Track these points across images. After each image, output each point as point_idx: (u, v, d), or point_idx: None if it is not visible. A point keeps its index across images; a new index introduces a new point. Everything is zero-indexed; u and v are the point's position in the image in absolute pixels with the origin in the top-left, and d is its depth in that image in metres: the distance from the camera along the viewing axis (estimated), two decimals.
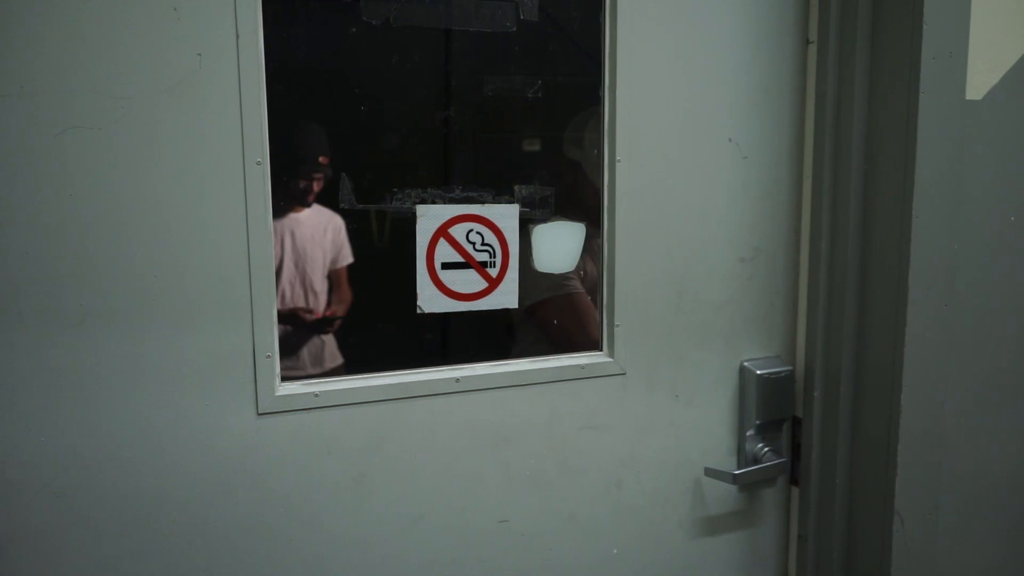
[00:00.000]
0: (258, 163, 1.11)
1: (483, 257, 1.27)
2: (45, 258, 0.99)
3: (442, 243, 1.25)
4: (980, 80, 1.06)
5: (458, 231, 1.25)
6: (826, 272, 1.18)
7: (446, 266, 1.25)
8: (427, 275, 1.25)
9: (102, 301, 1.03)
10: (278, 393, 1.13)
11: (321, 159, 2.49)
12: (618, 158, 1.26)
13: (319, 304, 2.70)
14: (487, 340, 1.31)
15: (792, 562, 1.29)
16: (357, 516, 1.17)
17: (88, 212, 1.02)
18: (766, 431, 1.33)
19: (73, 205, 1.01)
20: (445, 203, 1.25)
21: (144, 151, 1.04)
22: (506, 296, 1.27)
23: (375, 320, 1.32)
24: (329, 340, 2.86)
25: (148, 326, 1.05)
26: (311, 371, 1.25)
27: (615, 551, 1.31)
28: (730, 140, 1.30)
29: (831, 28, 1.11)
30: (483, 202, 1.27)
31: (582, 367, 1.27)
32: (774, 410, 1.32)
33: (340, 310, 3.21)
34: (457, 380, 1.22)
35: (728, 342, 1.33)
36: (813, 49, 1.15)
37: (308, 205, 2.60)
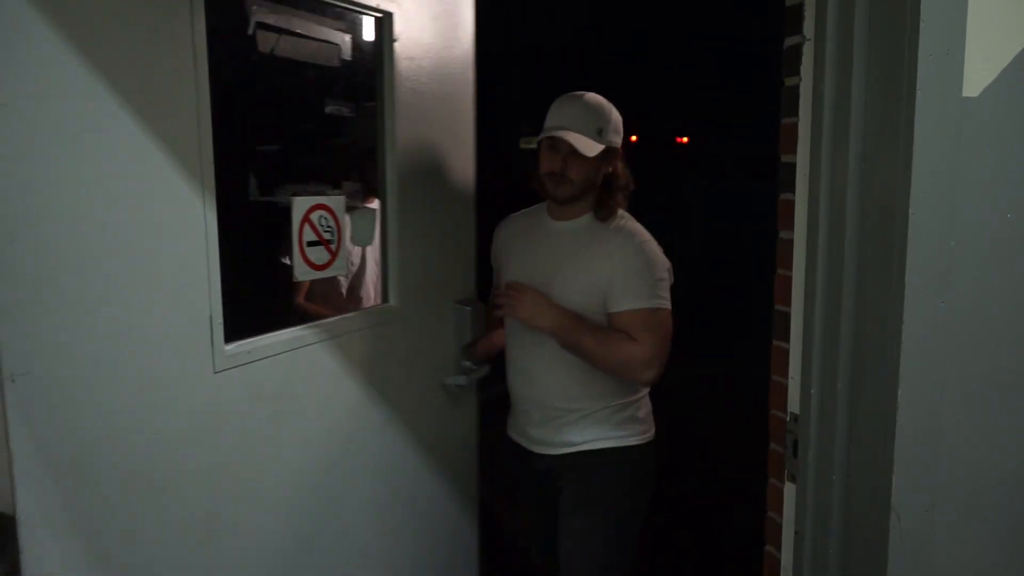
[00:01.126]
0: (209, 164, 1.29)
1: (328, 236, 1.64)
2: (66, 251, 1.10)
3: (307, 227, 1.58)
4: (977, 77, 1.05)
5: (315, 217, 1.60)
6: (824, 270, 1.18)
7: (309, 244, 1.59)
8: (299, 252, 1.58)
9: (110, 290, 1.16)
10: (227, 353, 1.36)
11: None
12: (399, 162, 1.77)
13: None
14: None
15: (788, 559, 1.29)
16: (276, 445, 1.50)
17: (97, 210, 1.15)
18: (470, 347, 2.04)
19: (86, 203, 1.12)
20: (307, 195, 1.59)
21: (141, 154, 1.17)
22: (340, 266, 1.68)
23: (279, 287, 1.68)
24: None
25: (143, 310, 1.21)
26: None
27: (402, 436, 1.88)
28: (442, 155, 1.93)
29: (828, 26, 1.11)
30: (326, 194, 1.65)
31: (380, 313, 1.81)
32: (473, 333, 2.02)
33: None
34: (328, 330, 1.61)
35: (449, 291, 2.00)
36: (810, 47, 1.15)
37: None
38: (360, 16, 1.70)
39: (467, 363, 2.04)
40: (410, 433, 1.90)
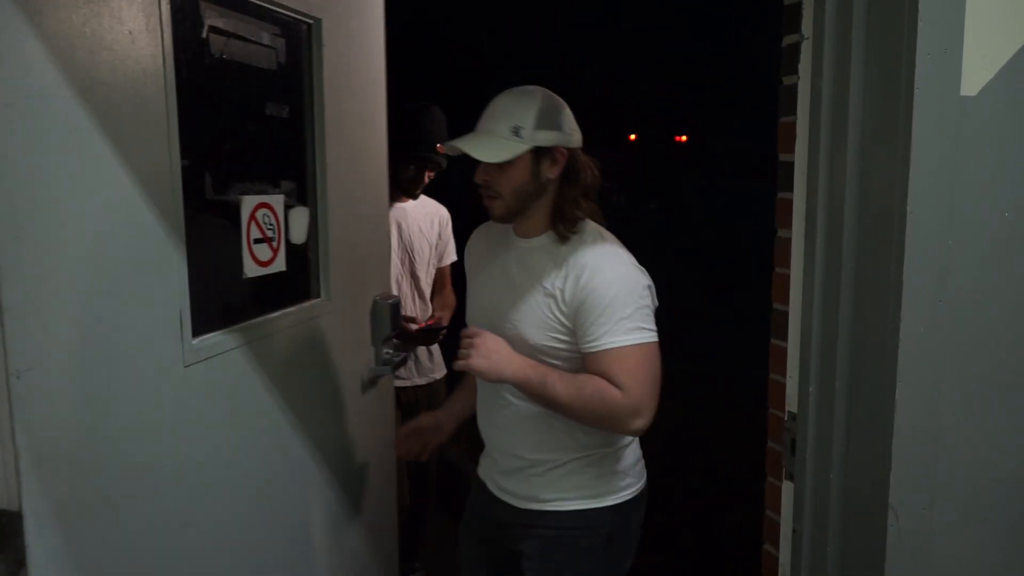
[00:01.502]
0: (177, 166, 1.32)
1: (271, 233, 1.67)
2: (63, 249, 1.11)
3: (253, 225, 1.61)
4: (975, 76, 1.04)
5: (260, 215, 1.63)
6: (822, 269, 1.18)
7: (255, 241, 1.62)
8: (247, 250, 1.60)
9: (100, 286, 1.19)
10: (195, 347, 1.40)
11: (439, 147, 2.65)
12: (328, 163, 1.84)
13: (426, 309, 2.93)
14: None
15: (787, 557, 1.29)
16: (233, 434, 1.55)
17: (88, 209, 1.16)
18: (388, 340, 2.17)
19: (79, 202, 1.14)
20: (253, 195, 1.62)
21: (122, 155, 1.19)
22: (280, 263, 1.71)
23: (232, 283, 1.63)
24: (435, 350, 3.04)
25: (126, 305, 1.24)
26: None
27: (321, 418, 1.92)
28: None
29: (826, 25, 1.11)
30: (268, 193, 1.69)
31: (316, 306, 1.88)
32: (393, 326, 2.16)
33: (445, 317, 3.28)
34: (274, 325, 1.68)
35: (369, 286, 2.13)
36: (808, 45, 1.15)
37: (414, 196, 2.84)
38: (292, 22, 1.76)
39: (387, 353, 2.18)
40: (343, 417, 2.04)
